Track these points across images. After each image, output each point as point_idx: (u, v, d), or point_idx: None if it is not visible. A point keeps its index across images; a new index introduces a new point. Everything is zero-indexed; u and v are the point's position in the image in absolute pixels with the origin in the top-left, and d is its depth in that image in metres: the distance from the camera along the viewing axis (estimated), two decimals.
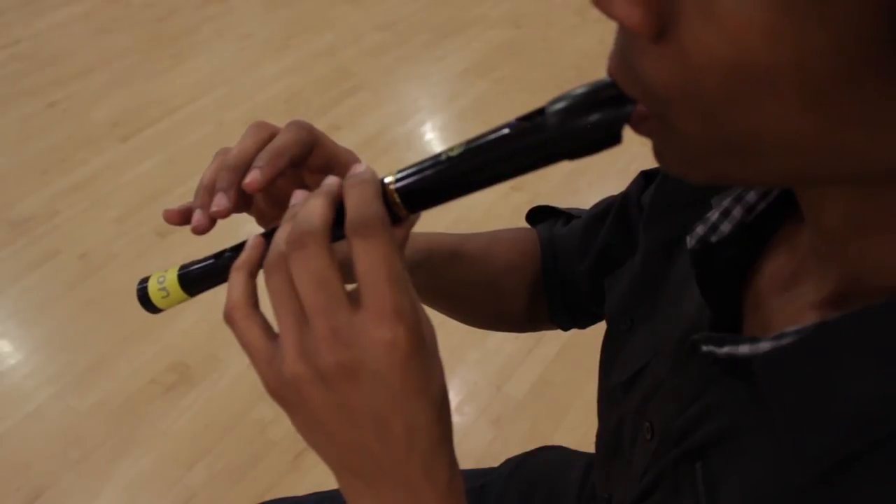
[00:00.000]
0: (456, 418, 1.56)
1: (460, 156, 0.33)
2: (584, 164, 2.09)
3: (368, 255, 0.31)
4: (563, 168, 2.10)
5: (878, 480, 0.27)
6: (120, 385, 1.58)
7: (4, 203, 2.08)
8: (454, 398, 1.52)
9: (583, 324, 0.66)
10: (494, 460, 0.78)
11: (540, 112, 0.31)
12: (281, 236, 0.34)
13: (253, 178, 0.40)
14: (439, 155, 0.34)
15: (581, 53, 2.62)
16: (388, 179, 0.35)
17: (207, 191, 0.43)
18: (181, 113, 2.43)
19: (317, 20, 2.95)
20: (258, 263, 0.36)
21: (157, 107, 2.45)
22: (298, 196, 0.37)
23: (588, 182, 2.02)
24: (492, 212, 1.94)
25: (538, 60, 2.63)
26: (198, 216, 0.42)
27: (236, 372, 1.59)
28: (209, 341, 1.64)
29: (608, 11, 0.25)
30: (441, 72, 2.62)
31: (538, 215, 0.68)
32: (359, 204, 0.33)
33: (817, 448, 0.28)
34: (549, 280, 0.63)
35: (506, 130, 0.32)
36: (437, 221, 1.79)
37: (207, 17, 3.01)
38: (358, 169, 0.35)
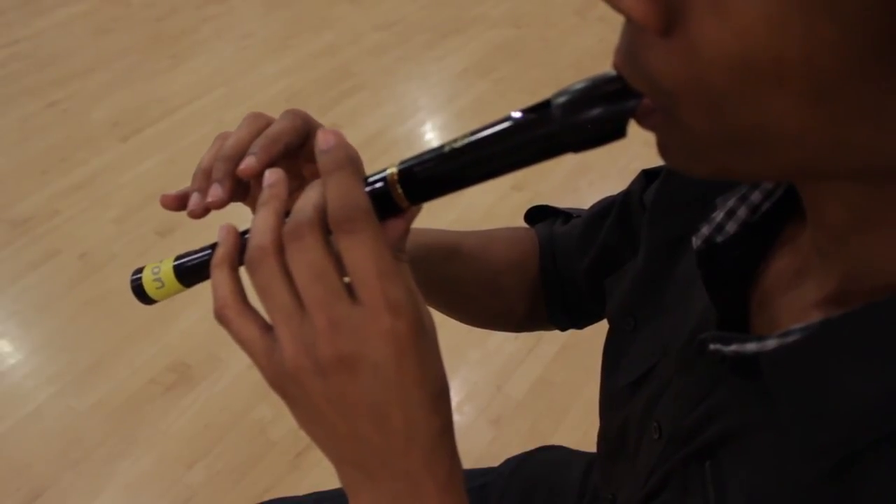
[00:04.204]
0: (456, 418, 1.55)
1: (464, 147, 0.33)
2: (584, 163, 2.09)
3: (355, 252, 0.31)
4: (564, 167, 2.11)
5: (886, 475, 0.27)
6: (120, 385, 1.58)
7: (4, 203, 2.08)
8: (454, 398, 1.52)
9: (581, 324, 0.65)
10: (494, 460, 0.78)
11: (545, 104, 0.31)
12: (259, 225, 0.34)
13: (248, 164, 0.40)
14: (443, 146, 0.34)
15: (581, 53, 2.62)
16: (390, 170, 0.35)
17: (205, 175, 0.43)
18: (181, 113, 2.43)
19: (317, 20, 2.95)
20: (237, 255, 0.36)
21: (157, 107, 2.45)
22: (270, 178, 0.36)
23: (589, 181, 2.02)
24: (492, 211, 1.94)
25: (538, 60, 2.63)
26: (195, 199, 0.42)
27: (236, 372, 1.59)
28: (209, 341, 1.64)
29: (616, 5, 0.25)
30: (441, 72, 2.62)
31: (537, 215, 0.68)
32: (339, 195, 0.32)
33: (824, 444, 0.28)
34: (548, 279, 0.63)
35: (510, 122, 0.32)
36: (437, 220, 1.79)
37: (207, 17, 3.01)
38: (325, 144, 0.34)
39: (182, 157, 2.23)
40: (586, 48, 2.64)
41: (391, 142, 2.28)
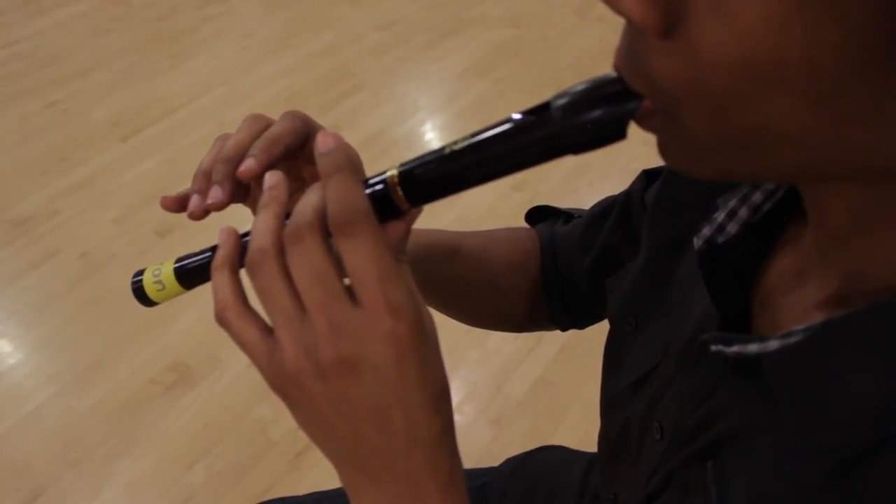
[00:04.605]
0: (456, 418, 1.55)
1: (464, 149, 0.33)
2: (584, 163, 2.09)
3: (355, 254, 0.31)
4: (564, 167, 2.10)
5: (889, 476, 0.27)
6: (120, 385, 1.58)
7: (4, 203, 2.08)
8: (454, 398, 1.52)
9: (582, 324, 0.65)
10: (494, 460, 0.78)
11: (545, 106, 0.31)
12: (259, 228, 0.34)
13: (247, 166, 0.40)
14: (443, 148, 0.34)
15: (581, 53, 2.62)
16: (390, 172, 0.35)
17: (205, 176, 0.43)
18: (181, 113, 2.43)
19: (317, 20, 2.95)
20: (237, 257, 0.36)
21: (157, 107, 2.45)
22: (270, 180, 0.36)
23: (588, 182, 2.02)
24: (491, 211, 1.94)
25: (538, 60, 2.63)
26: (195, 201, 0.42)
27: (236, 372, 1.59)
28: (209, 341, 1.64)
29: (616, 7, 0.25)
30: (441, 72, 2.62)
31: (537, 215, 0.68)
32: (338, 198, 0.32)
33: (826, 445, 0.28)
34: (549, 279, 0.63)
35: (511, 124, 0.32)
36: (437, 221, 1.79)
37: (207, 17, 3.01)
38: (325, 146, 0.34)
39: (182, 157, 2.23)
40: (586, 48, 2.64)
41: (391, 142, 2.28)
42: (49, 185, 2.14)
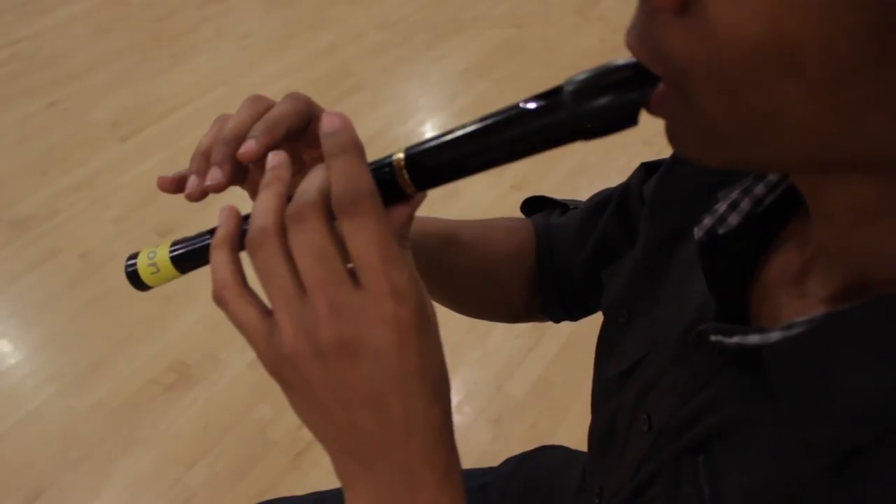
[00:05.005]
0: (456, 418, 1.55)
1: (473, 133, 0.32)
2: (583, 162, 2.08)
3: (359, 236, 0.30)
4: (563, 166, 2.10)
5: (889, 471, 0.26)
6: (120, 385, 1.58)
7: (4, 203, 2.08)
8: (454, 398, 1.52)
9: (575, 316, 0.65)
10: (494, 460, 0.78)
11: (556, 91, 0.31)
12: (261, 207, 0.33)
13: (248, 147, 0.39)
14: (451, 132, 0.33)
15: (581, 53, 2.62)
16: (397, 155, 0.34)
17: (204, 157, 0.42)
18: (181, 113, 2.42)
19: (317, 20, 2.95)
20: (238, 237, 0.36)
21: (157, 106, 2.45)
22: (273, 160, 0.36)
23: (588, 181, 2.02)
24: (492, 210, 1.93)
25: (538, 60, 2.63)
26: (192, 182, 0.42)
27: (236, 372, 1.58)
28: (209, 341, 1.64)
29: None
30: (441, 72, 2.62)
31: (533, 206, 0.68)
32: (343, 178, 0.31)
33: (826, 438, 0.28)
34: (544, 270, 0.63)
35: (521, 109, 0.31)
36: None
37: (207, 17, 3.01)
38: (331, 126, 0.33)
39: (182, 156, 2.22)
40: (586, 48, 2.64)
41: (391, 142, 2.27)
42: (49, 185, 2.14)
